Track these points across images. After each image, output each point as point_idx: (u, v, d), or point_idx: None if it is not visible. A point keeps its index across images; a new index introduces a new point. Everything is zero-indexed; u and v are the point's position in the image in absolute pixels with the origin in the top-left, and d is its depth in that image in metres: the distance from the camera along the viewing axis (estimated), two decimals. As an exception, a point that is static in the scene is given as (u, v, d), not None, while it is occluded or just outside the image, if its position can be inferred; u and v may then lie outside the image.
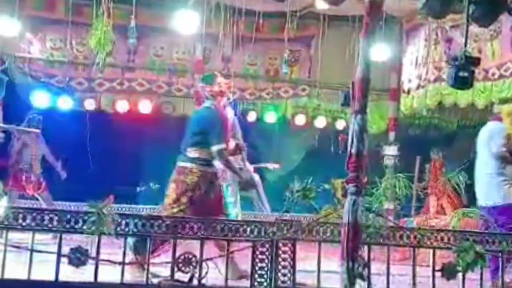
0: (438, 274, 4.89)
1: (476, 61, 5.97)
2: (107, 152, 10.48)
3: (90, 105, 10.09)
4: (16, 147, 8.47)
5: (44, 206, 8.07)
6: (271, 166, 8.66)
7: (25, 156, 8.48)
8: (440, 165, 9.50)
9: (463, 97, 7.75)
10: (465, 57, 5.78)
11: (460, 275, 4.89)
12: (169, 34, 9.93)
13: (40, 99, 9.91)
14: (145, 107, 10.25)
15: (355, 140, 3.97)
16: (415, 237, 4.95)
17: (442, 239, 4.96)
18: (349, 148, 4.03)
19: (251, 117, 10.76)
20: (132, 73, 10.38)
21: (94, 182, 9.11)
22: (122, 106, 10.21)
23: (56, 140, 9.86)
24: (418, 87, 8.72)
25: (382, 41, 8.51)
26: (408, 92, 9.01)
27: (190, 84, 10.33)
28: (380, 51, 8.58)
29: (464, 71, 5.82)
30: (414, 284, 4.84)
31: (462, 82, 5.93)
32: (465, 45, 6.01)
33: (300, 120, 10.90)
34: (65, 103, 10.01)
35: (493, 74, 7.36)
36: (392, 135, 9.65)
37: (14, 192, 8.31)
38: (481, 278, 4.94)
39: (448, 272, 4.90)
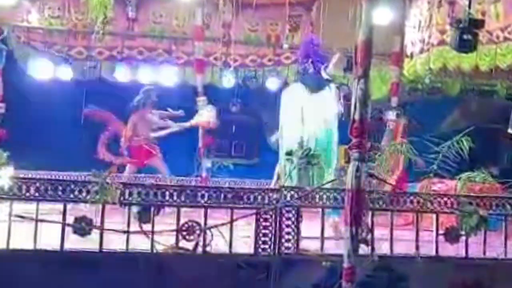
0: (441, 238, 4.93)
1: (480, 24, 5.90)
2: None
3: (90, 74, 10.01)
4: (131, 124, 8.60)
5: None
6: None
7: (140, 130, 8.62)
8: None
9: (467, 61, 7.65)
10: (469, 20, 5.71)
11: (463, 238, 4.92)
12: (168, 1, 9.78)
13: (39, 69, 9.82)
14: (145, 75, 10.16)
15: (358, 106, 3.94)
16: (418, 202, 4.96)
17: (445, 203, 4.97)
18: (352, 114, 4.00)
19: (253, 84, 10.67)
20: (132, 41, 10.27)
21: (95, 152, 9.08)
22: (122, 74, 10.12)
23: (58, 110, 9.85)
24: (422, 51, 8.60)
25: (384, 4, 8.38)
26: (411, 56, 8.90)
27: (190, 52, 10.22)
28: (382, 14, 8.44)
29: (468, 33, 5.76)
30: (417, 248, 4.87)
31: (466, 45, 5.87)
32: (469, 7, 5.93)
33: (302, 86, 10.81)
34: (65, 73, 9.93)
35: (497, 37, 7.24)
36: (394, 100, 9.57)
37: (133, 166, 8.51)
38: (484, 242, 4.96)
39: (452, 235, 4.93)
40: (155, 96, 8.85)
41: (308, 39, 7.36)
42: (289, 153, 5.77)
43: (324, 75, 6.79)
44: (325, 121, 6.50)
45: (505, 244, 5.04)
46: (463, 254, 4.94)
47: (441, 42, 8.08)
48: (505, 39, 7.16)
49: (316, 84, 6.76)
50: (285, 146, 6.46)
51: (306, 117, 6.56)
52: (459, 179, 6.15)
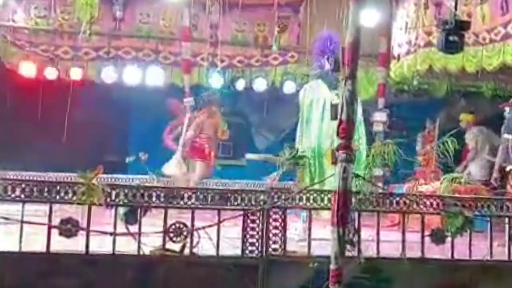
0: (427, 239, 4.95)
1: (466, 25, 5.94)
2: (94, 122, 10.38)
3: (76, 74, 9.95)
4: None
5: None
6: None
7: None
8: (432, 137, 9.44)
9: (453, 62, 7.70)
10: (455, 21, 5.74)
11: (449, 239, 4.95)
12: (156, 1, 9.76)
13: (25, 69, 9.74)
14: (131, 75, 10.12)
15: (345, 107, 3.94)
16: (404, 203, 4.98)
17: (431, 204, 5.00)
18: (339, 115, 4.01)
19: (240, 84, 10.67)
20: (118, 41, 10.22)
21: (82, 152, 9.04)
22: (108, 75, 10.07)
23: (44, 109, 9.77)
24: (408, 52, 8.65)
25: (371, 5, 8.41)
26: (398, 57, 8.95)
27: (177, 52, 10.19)
28: (369, 16, 8.48)
29: (454, 35, 5.79)
30: (403, 249, 4.89)
31: (452, 46, 5.91)
32: (455, 9, 5.96)
33: (289, 87, 10.82)
34: (51, 73, 9.85)
35: (483, 39, 7.30)
36: (381, 101, 9.61)
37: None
38: (470, 243, 4.99)
39: (437, 237, 4.96)
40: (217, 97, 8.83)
41: (325, 35, 6.85)
42: (277, 155, 5.76)
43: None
44: None
45: (490, 245, 5.07)
46: (448, 255, 4.97)
47: (428, 44, 8.13)
48: (491, 40, 7.22)
49: (333, 82, 6.36)
50: (307, 144, 6.22)
51: (326, 115, 6.28)
52: (444, 179, 6.19)
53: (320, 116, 6.33)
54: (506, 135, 6.89)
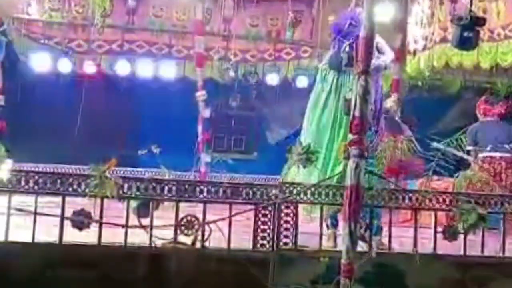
0: (439, 235, 4.93)
1: (481, 21, 5.89)
2: (107, 115, 10.43)
3: (89, 67, 10.00)
4: None
5: None
6: None
7: None
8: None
9: (468, 58, 7.65)
10: (470, 17, 5.70)
11: (461, 236, 4.92)
12: (169, -6, 9.80)
13: (39, 61, 9.81)
14: (144, 69, 10.15)
15: (358, 102, 3.93)
16: (416, 199, 4.96)
17: (444, 201, 4.97)
18: (352, 110, 3.99)
19: (253, 79, 10.67)
20: (132, 34, 10.26)
21: (94, 145, 9.08)
22: (121, 68, 10.11)
23: (57, 102, 9.83)
24: (424, 48, 8.60)
25: (387, 0, 8.37)
26: (414, 53, 8.90)
27: (190, 46, 10.21)
28: (384, 11, 8.43)
29: (469, 31, 5.75)
30: (415, 245, 4.87)
31: (467, 43, 5.86)
32: (470, 5, 5.92)
33: (302, 81, 10.81)
34: (65, 66, 9.91)
35: (498, 35, 7.24)
36: (395, 96, 9.56)
37: None
38: (483, 240, 4.96)
39: (450, 233, 4.93)
40: None
41: (349, 14, 5.80)
42: (289, 150, 5.73)
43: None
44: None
45: (503, 242, 5.04)
46: (461, 252, 4.94)
47: (443, 39, 8.08)
48: (506, 37, 7.17)
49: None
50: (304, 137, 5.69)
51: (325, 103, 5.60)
52: (457, 177, 6.16)
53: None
54: None
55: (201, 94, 9.61)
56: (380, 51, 5.48)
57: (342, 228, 3.94)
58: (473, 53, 7.14)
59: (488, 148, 7.19)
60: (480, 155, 7.18)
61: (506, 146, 7.21)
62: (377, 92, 5.50)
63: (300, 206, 4.82)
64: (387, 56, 5.60)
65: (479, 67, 7.82)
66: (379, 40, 5.33)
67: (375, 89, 5.43)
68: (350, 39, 5.41)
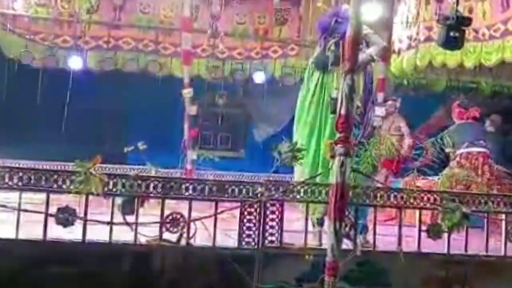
0: (424, 234, 4.97)
1: (467, 21, 5.93)
2: (93, 111, 10.38)
3: (75, 63, 9.93)
4: None
5: None
6: None
7: None
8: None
9: (452, 58, 7.71)
10: (457, 17, 5.73)
11: (445, 235, 4.96)
12: (156, -9, 9.76)
13: (24, 57, 9.72)
14: (131, 65, 10.11)
15: (344, 101, 3.95)
16: (401, 197, 4.99)
17: (428, 199, 5.01)
18: (338, 109, 4.01)
19: (240, 76, 10.67)
20: (118, 30, 10.21)
21: (80, 142, 9.03)
22: (108, 64, 10.06)
23: (43, 98, 9.76)
24: (409, 47, 8.65)
25: (373, -1, 8.39)
26: (399, 52, 8.95)
27: (177, 43, 10.18)
28: (371, 10, 8.46)
29: (455, 31, 5.78)
30: (399, 244, 4.90)
31: (453, 42, 5.90)
32: (457, 5, 5.95)
33: (289, 80, 10.83)
34: (51, 62, 9.83)
35: (483, 35, 7.30)
36: (380, 96, 9.61)
37: None
38: (466, 239, 5.01)
39: (434, 232, 4.97)
40: None
41: (334, 11, 5.67)
42: (275, 147, 5.74)
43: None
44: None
45: (487, 241, 5.09)
46: (445, 250, 4.98)
47: (428, 39, 8.13)
48: (491, 37, 7.22)
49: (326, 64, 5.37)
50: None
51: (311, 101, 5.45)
52: (441, 175, 6.21)
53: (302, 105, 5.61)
54: None
55: (187, 92, 9.58)
56: (368, 44, 5.38)
57: (327, 226, 3.96)
58: (457, 52, 7.19)
59: (465, 145, 7.30)
60: (458, 151, 7.29)
61: (482, 141, 7.35)
62: (366, 85, 5.46)
63: (301, 206, 4.84)
64: (378, 47, 5.37)
65: (463, 66, 7.88)
66: (367, 31, 5.23)
67: (364, 82, 5.41)
68: (336, 37, 5.36)
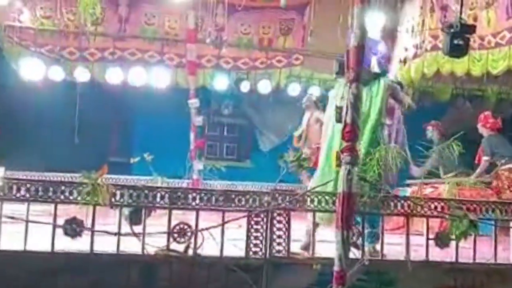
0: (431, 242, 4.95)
1: (471, 29, 5.93)
2: (99, 123, 10.42)
3: (81, 75, 9.98)
4: None
5: None
6: None
7: None
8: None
9: (460, 66, 7.71)
10: (460, 25, 5.74)
11: (453, 243, 4.94)
12: (161, 2, 9.80)
13: (30, 69, 9.78)
14: (136, 77, 10.14)
15: (350, 110, 3.95)
16: (408, 206, 4.97)
17: (435, 208, 4.99)
18: (344, 118, 4.01)
19: (245, 86, 10.69)
20: (123, 42, 10.26)
21: (86, 153, 9.06)
22: (113, 76, 10.10)
23: (49, 110, 9.80)
24: (415, 56, 8.65)
25: (377, 9, 8.40)
26: (405, 61, 8.95)
27: (182, 54, 10.22)
28: (375, 19, 8.47)
29: (459, 38, 5.79)
30: (407, 252, 4.88)
31: (457, 50, 5.90)
32: (460, 13, 5.96)
33: (294, 89, 10.85)
34: (57, 73, 9.88)
35: (489, 42, 7.30)
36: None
37: None
38: (474, 247, 4.98)
39: (442, 240, 4.95)
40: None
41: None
42: (281, 157, 5.74)
43: (375, 67, 5.39)
44: (371, 121, 5.24)
45: (495, 249, 5.06)
46: (453, 258, 4.96)
47: (434, 47, 8.13)
48: (497, 44, 7.22)
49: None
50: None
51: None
52: (447, 183, 6.19)
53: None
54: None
55: (193, 102, 9.61)
56: (397, 100, 5.57)
57: (335, 235, 3.95)
58: (464, 60, 7.19)
59: (506, 159, 7.45)
60: (505, 166, 7.42)
61: None
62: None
63: (317, 216, 4.83)
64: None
65: (470, 74, 7.88)
66: (396, 88, 5.60)
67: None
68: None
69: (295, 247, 4.83)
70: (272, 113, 11.49)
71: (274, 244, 4.67)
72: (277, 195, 4.69)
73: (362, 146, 5.04)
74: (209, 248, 4.61)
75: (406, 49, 8.97)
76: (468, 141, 7.67)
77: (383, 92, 5.37)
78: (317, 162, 7.92)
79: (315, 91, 10.78)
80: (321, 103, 8.46)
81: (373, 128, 5.28)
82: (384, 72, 5.58)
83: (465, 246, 5.01)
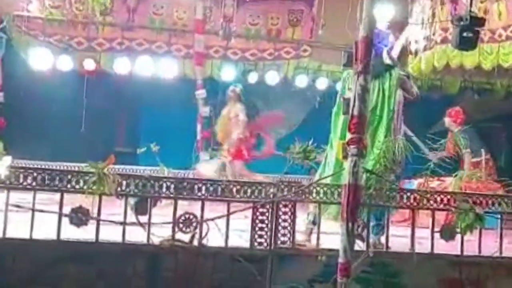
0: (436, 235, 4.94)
1: (481, 22, 5.89)
2: (106, 113, 10.43)
3: (89, 65, 9.98)
4: None
5: None
6: None
7: None
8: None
9: (470, 59, 7.65)
10: (470, 18, 5.70)
11: (458, 236, 4.93)
12: (169, -7, 9.79)
13: (39, 59, 9.79)
14: (144, 67, 10.13)
15: (357, 101, 3.94)
16: (414, 198, 4.96)
17: (441, 201, 4.98)
18: (351, 109, 4.00)
19: (252, 78, 10.66)
20: (131, 32, 10.24)
21: (93, 143, 9.08)
22: (121, 66, 10.10)
23: (57, 100, 9.83)
24: (425, 48, 8.59)
25: (386, 0, 8.34)
26: (416, 53, 8.88)
27: (190, 44, 10.21)
28: (384, 11, 8.41)
29: (469, 31, 5.75)
30: (412, 244, 4.88)
31: (466, 43, 5.86)
32: (470, 5, 5.92)
33: (302, 81, 10.81)
34: (65, 63, 9.89)
35: (499, 36, 7.24)
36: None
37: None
38: (480, 240, 4.97)
39: (447, 233, 4.94)
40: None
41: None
42: (287, 148, 5.73)
43: (386, 59, 5.38)
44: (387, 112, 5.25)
45: (500, 242, 5.05)
46: (458, 251, 4.95)
47: (444, 40, 8.07)
48: (508, 38, 7.16)
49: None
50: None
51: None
52: (454, 176, 6.17)
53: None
54: None
55: (200, 93, 9.60)
56: (406, 90, 5.55)
57: (340, 227, 3.95)
58: (475, 53, 7.14)
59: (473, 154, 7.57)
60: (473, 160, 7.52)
61: None
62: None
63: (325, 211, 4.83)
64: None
65: (480, 67, 7.82)
66: (405, 79, 5.56)
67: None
68: (378, 40, 5.27)
69: (299, 238, 4.83)
70: (279, 104, 11.45)
71: (279, 235, 4.68)
72: (282, 186, 4.69)
73: (379, 136, 5.09)
74: (214, 238, 4.62)
75: (416, 41, 8.90)
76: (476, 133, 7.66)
77: (397, 83, 5.35)
78: (237, 154, 8.24)
79: (322, 83, 10.75)
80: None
81: (391, 119, 5.30)
82: (395, 64, 5.56)
83: (471, 239, 5.00)
